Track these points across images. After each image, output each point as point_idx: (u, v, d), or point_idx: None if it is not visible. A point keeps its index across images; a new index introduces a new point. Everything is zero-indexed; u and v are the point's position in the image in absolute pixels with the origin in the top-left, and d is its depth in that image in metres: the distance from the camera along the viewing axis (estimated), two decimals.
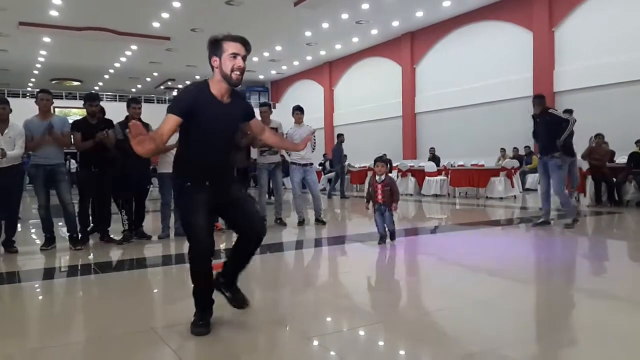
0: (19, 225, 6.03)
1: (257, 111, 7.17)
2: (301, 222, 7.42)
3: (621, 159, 10.16)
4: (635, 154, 9.36)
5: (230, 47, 2.59)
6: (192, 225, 2.61)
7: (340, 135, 13.93)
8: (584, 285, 3.98)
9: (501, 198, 11.41)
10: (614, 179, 9.40)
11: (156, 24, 16.76)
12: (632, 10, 12.29)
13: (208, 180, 2.67)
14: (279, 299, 3.70)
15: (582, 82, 13.58)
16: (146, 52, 20.31)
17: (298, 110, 7.58)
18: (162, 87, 29.08)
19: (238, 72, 2.59)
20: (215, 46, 2.62)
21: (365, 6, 15.44)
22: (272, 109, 7.93)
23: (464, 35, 17.07)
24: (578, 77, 13.65)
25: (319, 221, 7.54)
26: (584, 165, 9.79)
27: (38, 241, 6.29)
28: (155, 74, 25.50)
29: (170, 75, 25.89)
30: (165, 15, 15.87)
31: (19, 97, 22.82)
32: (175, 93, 29.55)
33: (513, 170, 12.04)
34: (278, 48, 20.54)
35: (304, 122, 7.66)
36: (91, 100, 5.96)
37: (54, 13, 15.53)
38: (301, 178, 7.50)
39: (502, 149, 14.67)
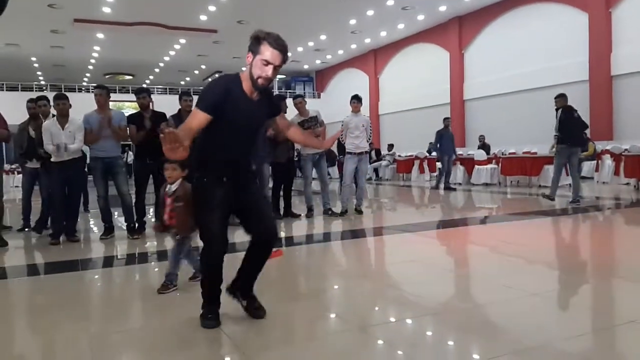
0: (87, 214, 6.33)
1: (290, 103, 7.28)
2: (344, 213, 7.43)
3: None
4: None
5: (266, 53, 2.50)
6: (206, 221, 2.60)
7: (445, 119, 12.25)
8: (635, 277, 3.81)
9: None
10: None
11: (203, 17, 17.07)
12: None
13: (226, 176, 2.63)
14: (327, 288, 3.74)
15: None
16: (194, 45, 20.74)
17: (355, 99, 7.55)
18: (209, 79, 29.60)
19: (263, 81, 2.53)
20: (254, 43, 2.53)
21: None
22: (318, 98, 7.95)
23: (514, 18, 16.50)
24: (637, 61, 12.94)
25: (358, 211, 7.55)
26: None
27: (96, 230, 6.60)
28: (203, 66, 26.02)
29: (217, 67, 26.34)
30: (212, 8, 16.14)
31: (74, 91, 23.88)
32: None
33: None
34: (323, 37, 20.51)
35: (360, 111, 7.63)
36: (140, 93, 6.18)
37: (106, 9, 16.08)
38: (354, 167, 7.51)
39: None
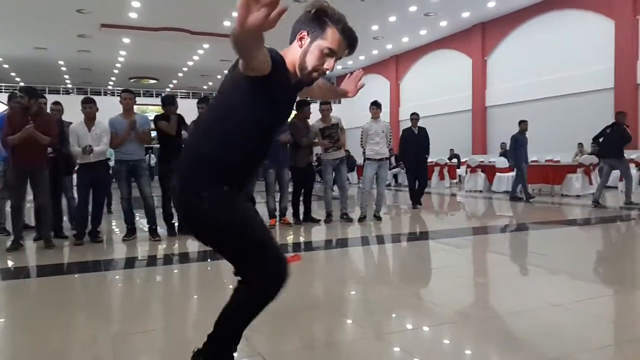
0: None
1: (314, 108, 7.32)
2: (362, 219, 7.44)
3: None
4: None
5: (333, 40, 1.78)
6: (260, 242, 1.83)
7: (522, 122, 10.45)
8: None
9: (578, 196, 10.86)
10: None
11: (227, 23, 17.28)
12: None
13: (244, 186, 1.94)
14: (345, 295, 3.75)
15: None
16: (217, 50, 20.98)
17: (374, 105, 7.58)
18: None
19: (318, 76, 1.85)
20: (316, 21, 1.79)
21: None
22: (339, 104, 8.01)
23: (538, 25, 16.32)
24: None
25: (376, 217, 7.55)
26: None
27: (118, 232, 6.72)
28: (225, 71, 26.19)
29: None
30: (235, 14, 16.30)
31: (100, 95, 24.37)
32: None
33: (592, 167, 11.41)
34: None
35: (380, 117, 7.67)
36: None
37: (133, 15, 16.39)
38: (374, 173, 7.53)
39: (579, 144, 13.95)
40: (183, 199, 1.85)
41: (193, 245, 5.80)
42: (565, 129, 14.99)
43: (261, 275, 1.83)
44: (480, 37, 18.61)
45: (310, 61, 1.79)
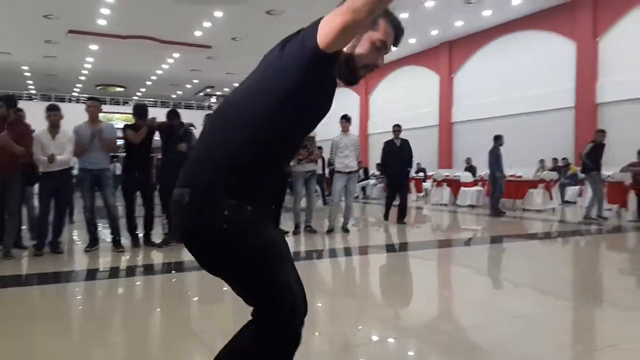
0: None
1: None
2: (330, 231, 7.49)
3: None
4: None
5: (385, 31, 1.56)
6: (280, 282, 1.53)
7: (498, 138, 10.50)
8: (622, 302, 3.89)
9: (539, 210, 11.17)
10: None
11: (198, 33, 17.21)
12: None
13: (267, 206, 1.71)
14: (312, 307, 3.77)
15: (626, 94, 13.18)
16: (188, 59, 20.85)
17: (344, 119, 7.69)
18: (201, 93, 29.75)
19: (370, 72, 1.61)
20: None
21: (404, 15, 15.44)
22: None
23: (503, 44, 16.85)
24: (622, 89, 13.27)
25: (345, 230, 7.61)
26: (627, 179, 9.53)
27: (80, 242, 6.57)
28: (196, 81, 26.11)
29: (209, 82, 26.46)
30: (207, 24, 16.28)
31: (65, 101, 23.83)
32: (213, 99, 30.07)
33: (552, 182, 11.78)
34: None
35: (350, 131, 7.78)
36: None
37: (102, 22, 16.15)
38: (343, 186, 7.60)
39: (541, 160, 14.38)
40: (194, 215, 1.47)
41: (157, 257, 5.72)
42: (528, 146, 15.44)
43: (270, 325, 1.54)
44: (448, 55, 19.07)
45: (363, 56, 1.55)
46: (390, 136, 9.18)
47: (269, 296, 1.52)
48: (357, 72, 1.57)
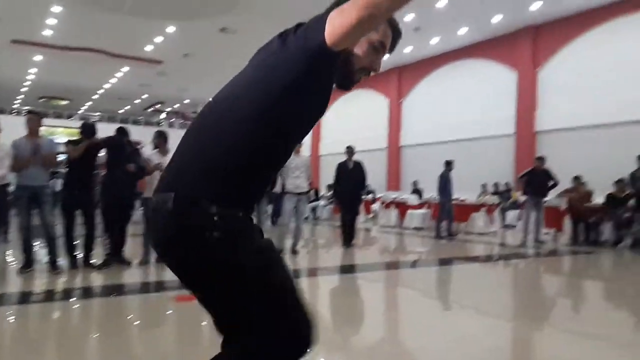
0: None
1: None
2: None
3: (599, 199, 10.40)
4: (611, 196, 9.62)
5: (385, 32, 1.50)
6: (285, 295, 1.39)
7: (450, 163, 10.86)
8: (560, 323, 4.08)
9: (481, 233, 11.56)
10: (591, 219, 9.62)
11: (149, 47, 16.94)
12: (615, 54, 12.73)
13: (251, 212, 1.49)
14: None
15: (563, 123, 13.94)
16: (137, 74, 20.44)
17: None
18: (150, 109, 29.17)
19: (367, 76, 1.54)
20: None
21: None
22: None
23: (450, 71, 17.51)
24: (559, 118, 14.03)
25: (294, 252, 7.60)
26: (563, 205, 10.05)
27: (15, 263, 6.25)
28: (145, 96, 25.60)
29: (159, 98, 26.02)
30: (158, 39, 16.07)
31: (4, 113, 22.76)
32: (162, 117, 29.50)
33: (493, 206, 12.24)
34: None
35: (301, 152, 7.87)
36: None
37: (47, 32, 15.63)
38: (293, 207, 7.61)
39: (483, 184, 14.93)
40: (180, 223, 1.32)
41: (97, 279, 5.52)
42: (472, 170, 16.01)
43: (268, 344, 1.34)
44: (397, 80, 19.62)
45: (362, 58, 1.46)
46: (342, 158, 9.28)
47: (274, 314, 1.33)
48: (354, 75, 1.49)
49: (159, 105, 28.21)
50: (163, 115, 31.28)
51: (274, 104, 1.35)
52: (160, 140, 6.58)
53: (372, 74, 1.51)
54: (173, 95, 24.46)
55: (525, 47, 14.98)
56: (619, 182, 9.56)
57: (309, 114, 1.48)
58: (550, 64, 14.55)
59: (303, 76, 1.34)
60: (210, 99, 1.52)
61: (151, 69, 19.33)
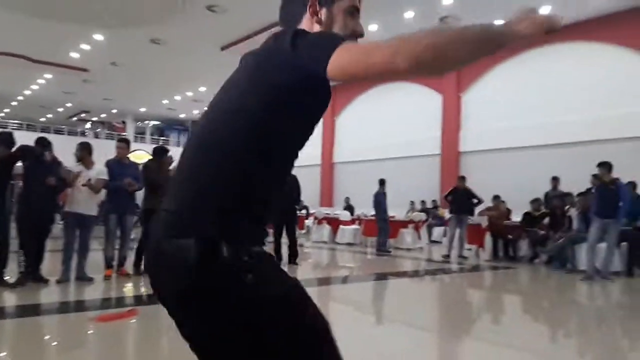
0: None
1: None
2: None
3: (517, 217, 11.04)
4: (528, 214, 10.24)
5: None
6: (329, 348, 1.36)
7: (384, 182, 11.31)
8: (483, 336, 4.28)
9: (409, 249, 11.92)
10: (510, 236, 10.20)
11: (75, 55, 16.21)
12: (532, 80, 13.67)
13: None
14: (186, 348, 3.63)
15: (484, 145, 14.74)
16: (61, 81, 19.46)
17: None
18: (75, 118, 27.81)
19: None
20: None
21: None
22: None
23: (382, 92, 18.06)
24: (481, 140, 14.83)
25: None
26: (484, 222, 10.58)
27: None
28: (69, 104, 24.40)
29: (84, 107, 24.89)
30: (85, 47, 15.42)
31: None
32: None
33: (420, 223, 12.68)
34: (202, 89, 20.49)
35: None
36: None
37: None
38: None
39: (411, 202, 15.43)
40: (207, 271, 1.14)
41: (10, 299, 5.16)
42: (401, 188, 16.51)
43: None
44: (332, 99, 19.98)
45: (344, 28, 1.37)
46: None
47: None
48: None
49: (84, 115, 26.97)
50: (88, 125, 29.93)
51: (277, 109, 1.22)
52: (84, 152, 6.29)
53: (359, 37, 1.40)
54: (99, 105, 23.50)
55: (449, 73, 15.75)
56: (535, 202, 10.21)
57: (313, 123, 1.34)
58: (474, 88, 15.40)
59: (299, 95, 1.23)
60: (206, 109, 1.37)
61: (76, 76, 18.48)
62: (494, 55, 1.25)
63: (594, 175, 8.33)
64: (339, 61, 1.10)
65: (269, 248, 8.51)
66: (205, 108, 1.39)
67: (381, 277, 7.78)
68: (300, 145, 1.33)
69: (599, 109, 12.01)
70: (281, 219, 8.33)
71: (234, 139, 1.22)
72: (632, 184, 8.81)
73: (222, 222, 1.18)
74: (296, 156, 1.34)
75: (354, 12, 1.39)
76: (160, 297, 1.27)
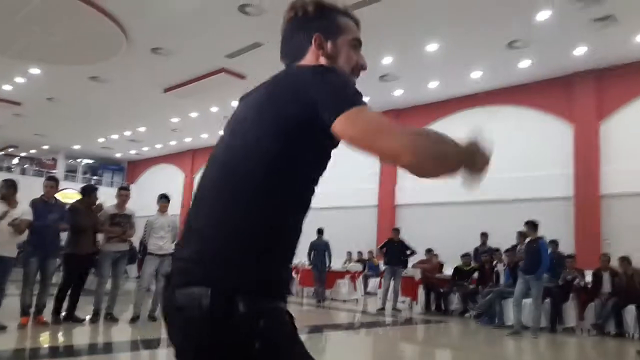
0: None
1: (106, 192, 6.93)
2: (135, 319, 6.90)
3: (449, 271, 11.33)
4: (458, 268, 10.56)
5: (352, 29, 1.43)
6: None
7: (321, 231, 11.71)
8: None
9: (344, 300, 11.89)
10: (442, 290, 10.42)
11: (7, 87, 15.53)
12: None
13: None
14: None
15: (418, 199, 15.15)
16: None
17: (164, 199, 7.41)
18: (1, 153, 26.31)
19: (356, 77, 1.44)
20: (326, 19, 1.40)
21: (235, 103, 15.91)
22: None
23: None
24: (416, 193, 15.27)
25: (151, 318, 7.10)
26: (417, 275, 10.79)
27: None
28: None
29: (13, 141, 23.66)
30: (20, 80, 14.84)
31: None
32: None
33: (357, 274, 12.74)
34: (141, 129, 20.10)
35: (167, 212, 7.49)
36: None
37: None
38: (154, 269, 7.16)
39: (348, 252, 15.53)
40: (220, 327, 1.11)
41: None
42: (339, 238, 16.59)
43: None
44: None
45: (348, 61, 1.40)
46: None
47: None
48: (356, 76, 1.44)
49: (12, 149, 25.60)
50: (15, 161, 28.39)
51: (292, 144, 1.20)
52: (10, 190, 5.94)
53: (361, 72, 1.44)
54: (29, 140, 22.42)
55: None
56: (465, 256, 10.56)
57: (318, 166, 1.31)
58: None
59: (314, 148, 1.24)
60: (216, 153, 1.34)
61: (6, 109, 17.64)
62: (431, 113, 1.32)
63: (519, 232, 8.79)
64: (349, 128, 1.12)
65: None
66: (212, 153, 1.37)
67: (316, 329, 7.69)
68: (315, 183, 1.30)
69: (523, 170, 12.79)
70: None
71: (250, 179, 1.19)
72: (555, 243, 9.34)
73: (240, 273, 1.14)
74: (313, 194, 1.30)
75: (357, 45, 1.42)
76: (176, 350, 1.21)
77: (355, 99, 1.15)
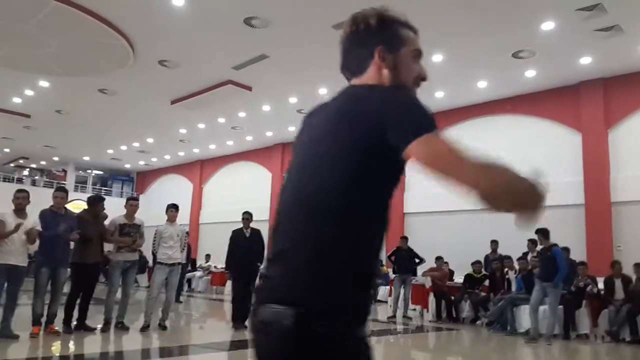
0: None
1: (115, 203, 7.00)
2: (145, 328, 6.91)
3: (459, 278, 11.26)
4: (469, 275, 10.48)
5: (413, 40, 1.43)
6: None
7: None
8: None
9: None
10: (452, 297, 10.34)
11: (17, 100, 15.71)
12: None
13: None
14: None
15: (427, 207, 15.10)
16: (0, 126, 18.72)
17: (173, 208, 7.46)
18: (12, 164, 26.56)
19: (418, 87, 1.44)
20: (388, 31, 1.40)
21: (242, 114, 16.13)
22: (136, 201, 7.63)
23: (236, 167, 18.71)
24: (425, 202, 15.22)
25: (161, 326, 7.11)
26: (427, 283, 10.71)
27: None
28: (7, 150, 23.35)
29: (23, 153, 23.89)
30: (29, 92, 15.01)
31: None
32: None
33: None
34: (150, 140, 20.23)
35: (177, 221, 7.52)
36: None
37: None
38: (164, 278, 7.19)
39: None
40: (301, 349, 1.14)
41: None
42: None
43: None
44: (280, 155, 20.17)
45: (410, 73, 1.40)
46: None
47: None
48: (416, 87, 1.44)
49: (23, 161, 25.84)
50: (26, 172, 28.65)
51: (363, 175, 1.22)
52: (26, 200, 6.01)
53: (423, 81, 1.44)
54: (39, 152, 22.63)
55: None
56: (476, 264, 10.49)
57: (393, 179, 1.31)
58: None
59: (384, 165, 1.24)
60: (293, 171, 1.37)
61: (16, 122, 17.84)
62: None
63: (530, 240, 8.71)
64: (423, 155, 1.14)
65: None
66: (289, 169, 1.40)
67: None
68: (390, 197, 1.30)
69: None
70: (244, 274, 7.70)
71: (330, 199, 1.20)
72: (567, 250, 9.26)
73: (321, 295, 1.15)
74: (388, 208, 1.30)
75: (418, 55, 1.42)
76: (255, 352, 1.25)
77: (429, 124, 1.16)
